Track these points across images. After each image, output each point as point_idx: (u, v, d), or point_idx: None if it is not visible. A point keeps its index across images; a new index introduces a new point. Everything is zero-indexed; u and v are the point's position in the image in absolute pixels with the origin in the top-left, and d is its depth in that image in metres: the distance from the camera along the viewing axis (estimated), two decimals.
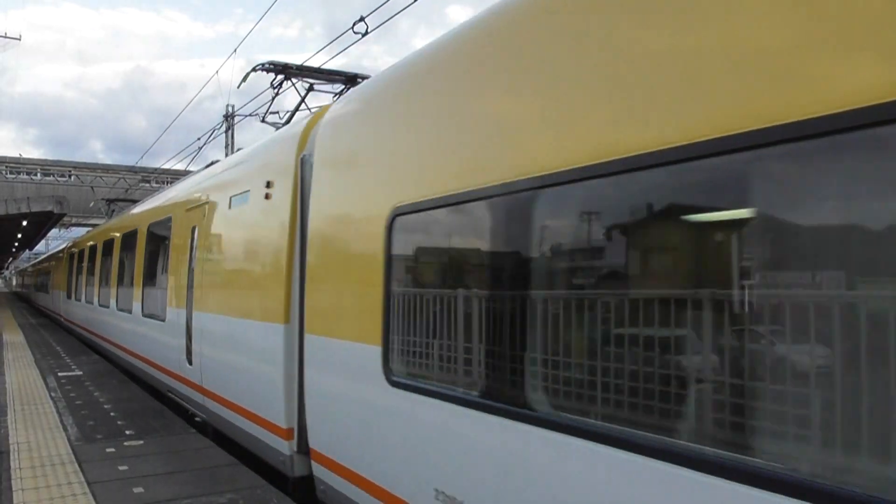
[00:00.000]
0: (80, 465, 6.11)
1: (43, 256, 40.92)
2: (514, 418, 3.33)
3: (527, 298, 3.35)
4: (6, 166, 44.53)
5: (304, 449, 5.55)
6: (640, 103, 2.80)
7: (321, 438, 5.30)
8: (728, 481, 2.29)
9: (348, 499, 4.86)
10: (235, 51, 22.07)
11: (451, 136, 4.05)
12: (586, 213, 3.22)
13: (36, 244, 41.62)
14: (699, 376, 2.61)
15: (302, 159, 5.95)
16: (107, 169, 47.93)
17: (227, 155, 26.89)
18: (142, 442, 6.97)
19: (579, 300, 3.22)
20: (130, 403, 9.12)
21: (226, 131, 27.94)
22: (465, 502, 3.72)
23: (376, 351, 4.45)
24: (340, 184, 5.39)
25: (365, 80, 6.38)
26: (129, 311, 11.94)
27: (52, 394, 9.77)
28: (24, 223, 22.51)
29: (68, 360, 13.68)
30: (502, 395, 3.44)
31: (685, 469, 2.43)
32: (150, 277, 11.06)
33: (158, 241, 10.98)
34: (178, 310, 9.01)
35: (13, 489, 5.47)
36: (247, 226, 7.04)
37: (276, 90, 9.63)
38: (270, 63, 9.36)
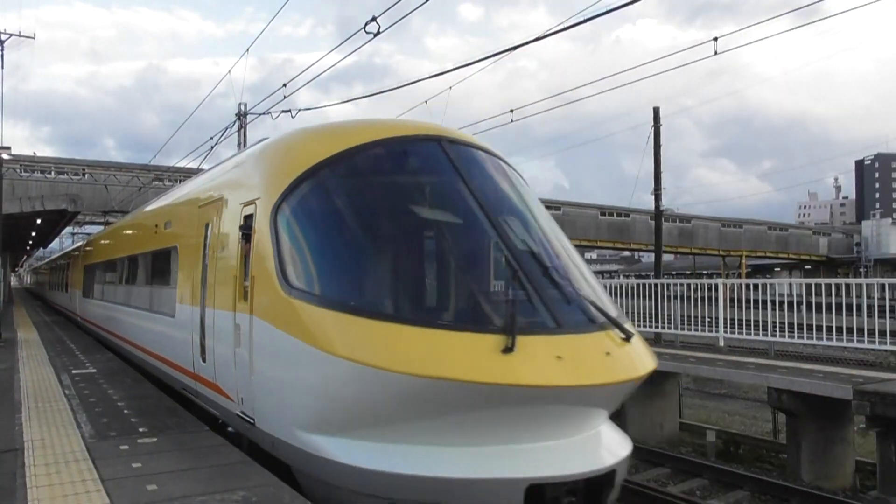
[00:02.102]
0: (93, 463, 6.12)
1: (43, 263, 55.30)
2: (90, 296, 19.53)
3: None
4: (20, 164, 44.74)
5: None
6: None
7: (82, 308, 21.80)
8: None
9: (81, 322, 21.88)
10: (248, 50, 22.09)
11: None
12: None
13: (50, 242, 41.89)
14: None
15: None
16: (120, 167, 48.13)
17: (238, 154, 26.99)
18: (155, 439, 6.98)
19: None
20: (144, 401, 9.14)
21: (238, 130, 27.97)
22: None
23: (80, 292, 21.29)
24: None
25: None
26: (66, 293, 26.78)
27: (66, 391, 9.81)
28: (39, 221, 22.66)
29: (82, 358, 13.74)
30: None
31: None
32: (71, 279, 25.01)
33: (66, 266, 28.05)
34: (71, 290, 24.48)
35: (27, 486, 5.49)
36: (60, 272, 30.50)
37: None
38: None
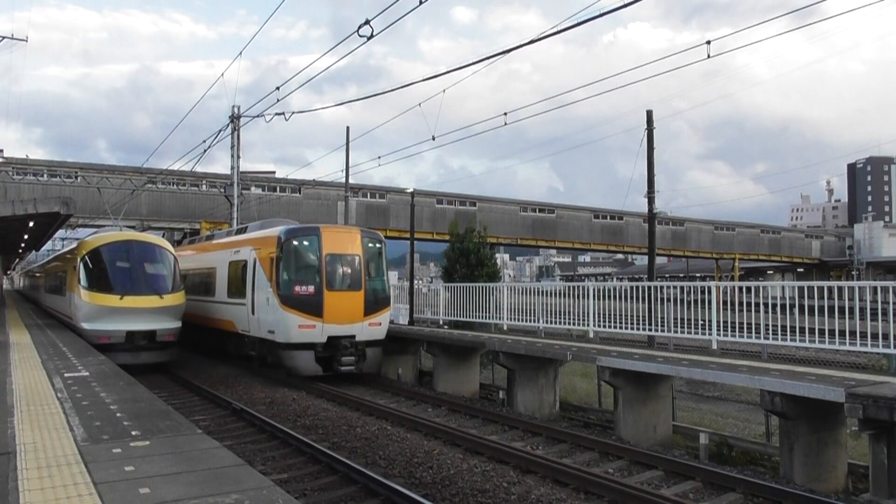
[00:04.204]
0: (86, 466, 6.11)
1: (31, 268, 57.84)
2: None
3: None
4: (13, 167, 44.60)
5: None
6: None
7: None
8: None
9: None
10: (241, 53, 22.08)
11: None
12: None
13: (42, 245, 41.71)
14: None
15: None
16: (113, 170, 47.99)
17: (232, 157, 27.03)
18: (148, 442, 6.97)
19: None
20: (137, 404, 9.12)
21: (232, 132, 27.95)
22: None
23: (44, 290, 35.80)
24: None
25: None
26: (39, 292, 37.96)
27: (59, 394, 9.78)
28: (31, 224, 22.57)
29: (75, 361, 13.70)
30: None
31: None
32: (40, 283, 38.91)
33: (39, 275, 40.33)
34: (41, 290, 36.71)
35: (20, 490, 5.47)
36: (36, 278, 44.82)
37: None
38: None
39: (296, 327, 16.89)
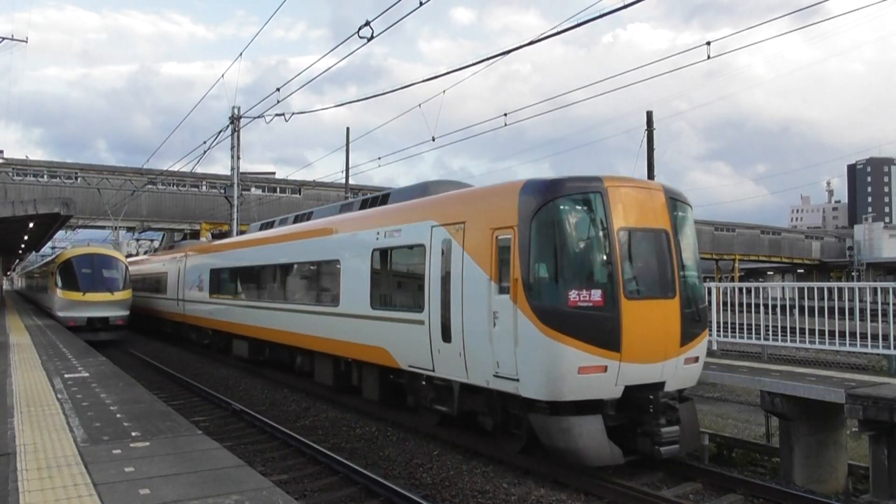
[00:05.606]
0: (86, 467, 6.11)
1: (30, 269, 59.02)
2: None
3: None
4: (13, 168, 44.66)
5: None
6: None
7: None
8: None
9: None
10: (241, 54, 22.13)
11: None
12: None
13: (42, 246, 41.73)
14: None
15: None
16: (113, 171, 48.06)
17: (232, 158, 26.99)
18: (148, 443, 6.97)
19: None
20: (137, 405, 9.12)
21: (232, 133, 27.95)
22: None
23: (36, 289, 44.82)
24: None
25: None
26: (35, 291, 43.32)
27: (59, 395, 9.78)
28: (31, 225, 22.57)
29: (75, 362, 13.71)
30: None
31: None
32: (35, 284, 45.36)
33: (35, 277, 45.57)
34: (37, 290, 41.58)
35: (20, 490, 5.47)
36: (33, 279, 51.53)
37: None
38: None
39: (574, 370, 8.84)
